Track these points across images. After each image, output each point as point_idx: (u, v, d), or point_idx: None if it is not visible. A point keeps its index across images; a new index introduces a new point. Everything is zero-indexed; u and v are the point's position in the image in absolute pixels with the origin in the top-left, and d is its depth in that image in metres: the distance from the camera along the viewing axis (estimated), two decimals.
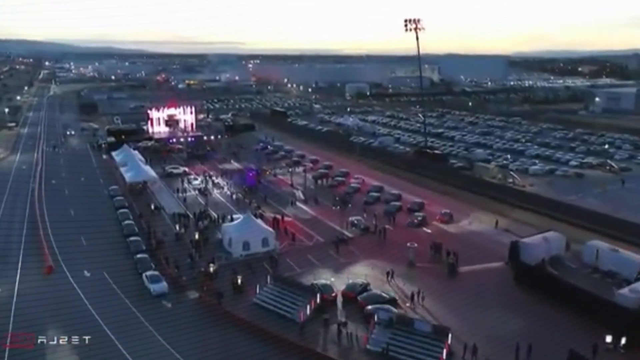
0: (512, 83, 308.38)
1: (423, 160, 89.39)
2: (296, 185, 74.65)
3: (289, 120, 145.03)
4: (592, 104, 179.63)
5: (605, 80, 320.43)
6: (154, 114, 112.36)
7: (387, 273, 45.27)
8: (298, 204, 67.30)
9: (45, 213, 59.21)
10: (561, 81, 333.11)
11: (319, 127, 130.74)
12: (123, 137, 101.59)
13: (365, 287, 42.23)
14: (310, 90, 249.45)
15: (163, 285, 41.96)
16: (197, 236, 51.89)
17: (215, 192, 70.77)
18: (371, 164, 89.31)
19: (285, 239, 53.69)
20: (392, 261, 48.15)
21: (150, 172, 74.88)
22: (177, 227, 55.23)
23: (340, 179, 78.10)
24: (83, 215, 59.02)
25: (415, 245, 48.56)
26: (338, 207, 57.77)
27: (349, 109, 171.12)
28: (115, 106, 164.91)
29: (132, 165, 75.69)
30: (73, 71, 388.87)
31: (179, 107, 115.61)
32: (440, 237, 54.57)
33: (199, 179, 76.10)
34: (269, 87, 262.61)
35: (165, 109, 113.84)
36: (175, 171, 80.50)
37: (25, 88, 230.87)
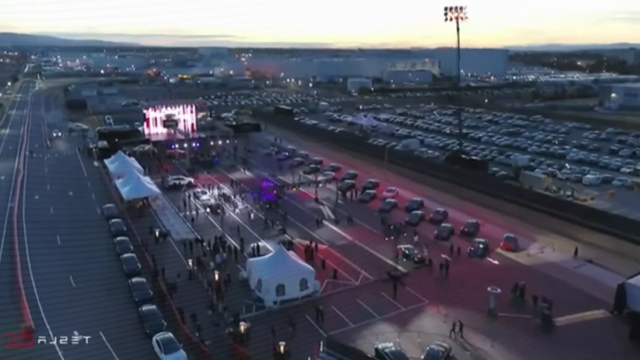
0: (514, 77, 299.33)
1: (458, 167, 79.21)
2: (321, 200, 64.36)
3: (296, 119, 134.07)
4: (607, 99, 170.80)
5: (607, 75, 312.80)
6: (150, 113, 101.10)
7: (454, 325, 35.29)
8: (326, 223, 57.03)
9: (26, 245, 47.63)
10: (563, 75, 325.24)
11: (331, 127, 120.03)
12: (116, 139, 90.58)
13: (448, 354, 32.15)
14: (310, 85, 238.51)
15: (181, 357, 31.44)
16: (216, 276, 41.45)
17: (229, 210, 60.05)
18: (399, 171, 78.98)
19: (325, 275, 43.37)
20: (465, 307, 38.33)
21: (151, 185, 63.68)
22: (190, 263, 44.49)
23: (371, 191, 67.55)
24: (72, 244, 48.16)
25: (499, 290, 38.26)
26: (392, 237, 47.20)
27: (361, 107, 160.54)
28: (105, 103, 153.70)
29: (130, 177, 63.94)
30: (60, 65, 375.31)
31: (178, 105, 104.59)
32: (512, 271, 44.89)
33: (208, 193, 65.44)
34: (267, 82, 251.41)
35: (163, 108, 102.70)
36: (179, 182, 69.48)
37: (9, 83, 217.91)
